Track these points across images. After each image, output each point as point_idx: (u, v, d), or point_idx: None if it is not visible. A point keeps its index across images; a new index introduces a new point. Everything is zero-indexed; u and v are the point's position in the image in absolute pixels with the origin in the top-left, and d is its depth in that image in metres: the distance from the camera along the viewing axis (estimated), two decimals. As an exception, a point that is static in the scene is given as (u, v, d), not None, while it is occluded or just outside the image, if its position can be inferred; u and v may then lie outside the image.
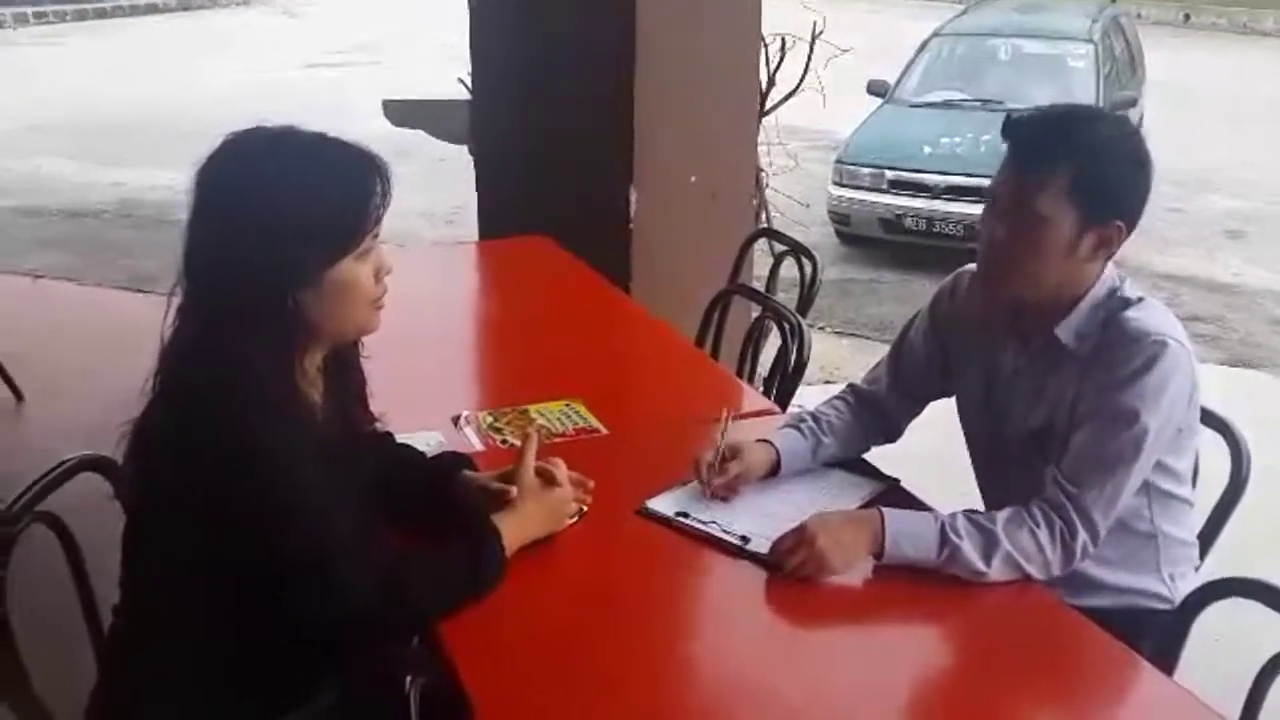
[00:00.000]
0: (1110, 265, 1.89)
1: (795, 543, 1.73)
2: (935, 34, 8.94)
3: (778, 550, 1.76)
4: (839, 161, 7.56)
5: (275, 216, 1.49)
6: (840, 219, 7.50)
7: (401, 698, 1.46)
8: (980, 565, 1.72)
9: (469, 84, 4.35)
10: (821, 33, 5.10)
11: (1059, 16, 9.57)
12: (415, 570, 1.62)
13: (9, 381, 4.36)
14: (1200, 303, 6.73)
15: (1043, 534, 1.74)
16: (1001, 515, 1.76)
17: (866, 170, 7.39)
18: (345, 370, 1.71)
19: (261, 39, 18.32)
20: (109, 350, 4.55)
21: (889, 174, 7.30)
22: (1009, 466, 1.99)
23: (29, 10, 21.03)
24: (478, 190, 4.20)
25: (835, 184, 7.50)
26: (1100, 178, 1.80)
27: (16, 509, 1.62)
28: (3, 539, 1.57)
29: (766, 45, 4.67)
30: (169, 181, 8.95)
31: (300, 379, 1.58)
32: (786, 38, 4.99)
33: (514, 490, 1.75)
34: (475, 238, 4.23)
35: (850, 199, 7.40)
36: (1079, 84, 8.00)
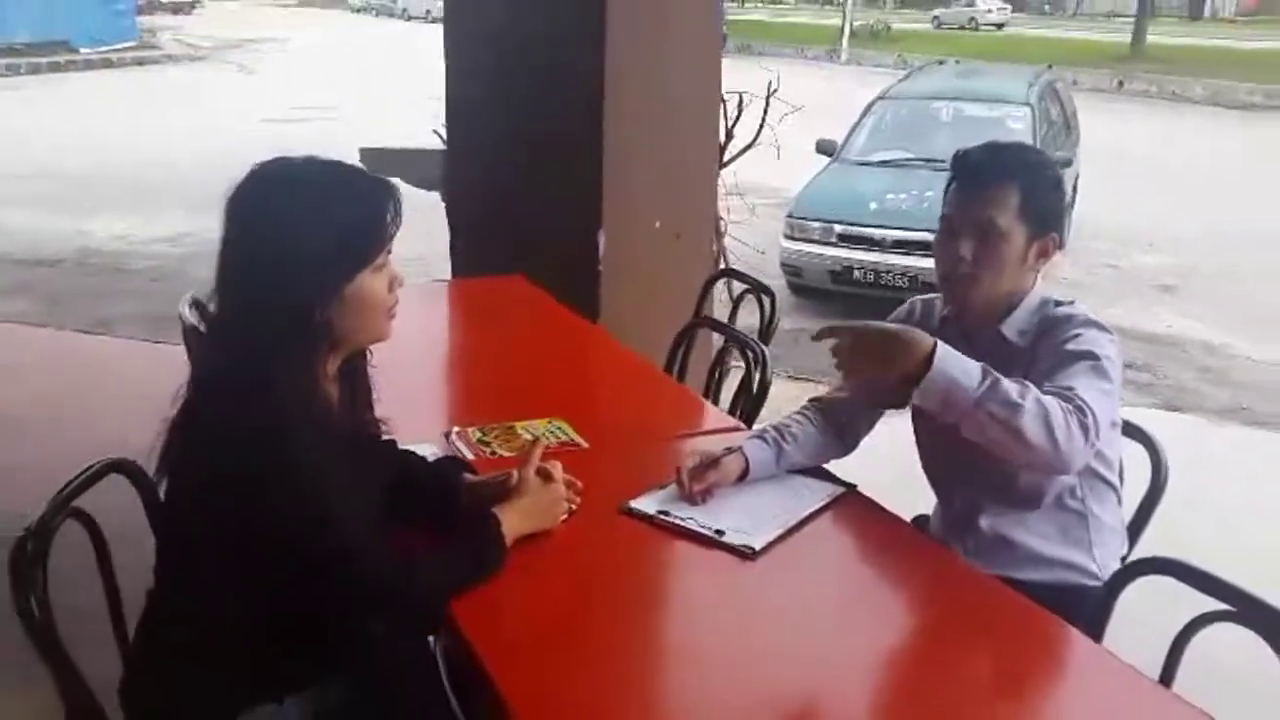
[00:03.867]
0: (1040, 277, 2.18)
1: (853, 329, 1.91)
2: (880, 96, 9.28)
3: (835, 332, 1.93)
4: (790, 216, 7.82)
5: (301, 236, 1.66)
6: (792, 271, 7.76)
7: (408, 691, 1.62)
8: (1017, 399, 1.81)
9: (443, 134, 4.55)
10: (776, 90, 5.37)
11: (997, 81, 9.98)
12: (426, 557, 1.78)
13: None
14: (1135, 352, 7.02)
15: (1063, 408, 1.85)
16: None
17: (816, 224, 7.66)
18: (356, 378, 1.87)
19: (218, 94, 18.45)
20: (73, 390, 4.68)
21: (838, 228, 7.57)
22: (959, 465, 2.20)
23: (-19, 63, 21.04)
24: (451, 234, 4.38)
25: (787, 237, 7.76)
26: (1041, 197, 2.11)
27: (51, 508, 1.75)
28: (42, 532, 1.70)
29: (725, 101, 4.92)
30: (125, 231, 9.07)
31: (323, 382, 1.75)
32: (744, 95, 5.25)
33: (514, 477, 1.93)
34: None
35: (801, 252, 7.67)
36: None
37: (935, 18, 38.83)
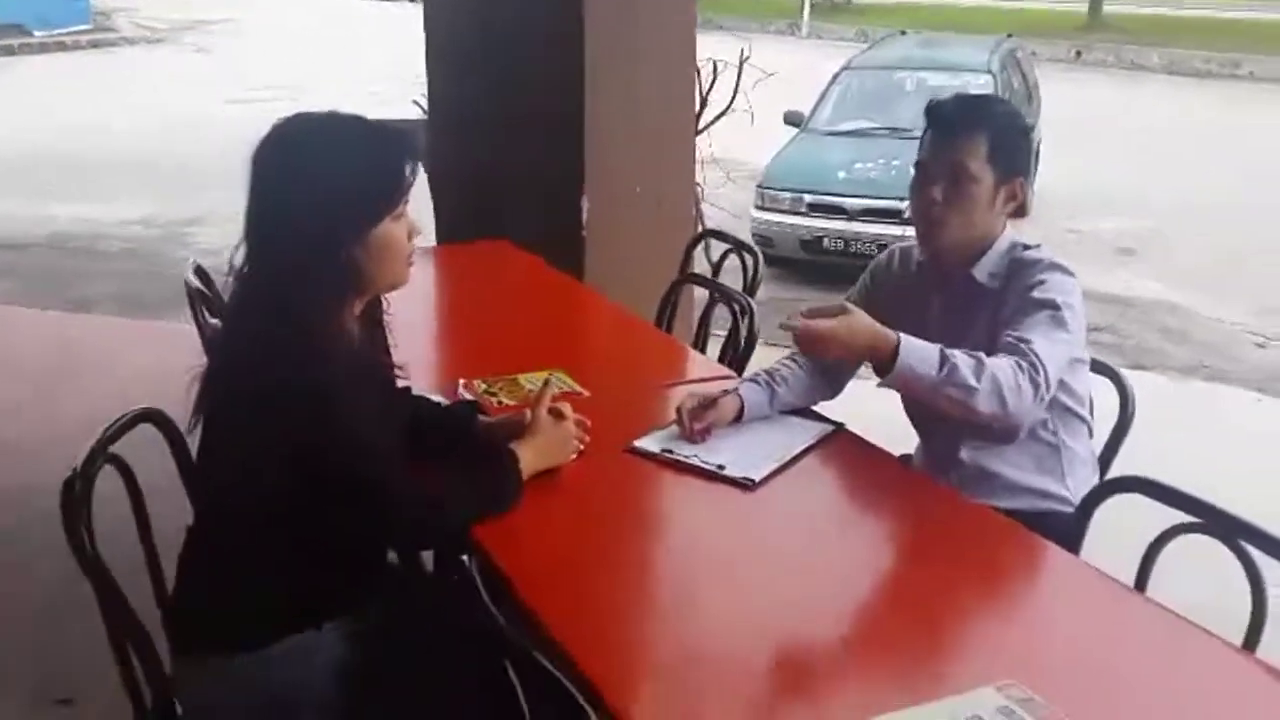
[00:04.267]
0: (1010, 224, 2.34)
1: (830, 313, 2.05)
2: (845, 68, 9.39)
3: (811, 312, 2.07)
4: (760, 186, 7.93)
5: (328, 184, 1.76)
6: (763, 240, 7.82)
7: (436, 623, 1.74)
8: (972, 381, 2.00)
9: (423, 105, 4.63)
10: (748, 58, 5.48)
11: (959, 50, 10.10)
12: (451, 487, 1.90)
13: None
14: (1098, 315, 7.20)
15: (1014, 365, 2.05)
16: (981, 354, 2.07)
17: (786, 194, 7.78)
18: (374, 325, 1.98)
19: (176, 76, 18.29)
20: (59, 369, 4.74)
21: (807, 198, 7.70)
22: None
23: (-68, 50, 20.74)
24: (434, 202, 4.46)
25: (757, 208, 7.88)
26: (1008, 144, 2.27)
27: (90, 453, 1.85)
28: (86, 474, 1.80)
29: (699, 70, 5.03)
30: (96, 215, 9.05)
31: (349, 323, 1.85)
32: (718, 62, 5.35)
33: (528, 416, 2.05)
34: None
35: (772, 222, 7.78)
36: None
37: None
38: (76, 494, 1.75)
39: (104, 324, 6.13)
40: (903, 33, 11.34)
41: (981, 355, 2.05)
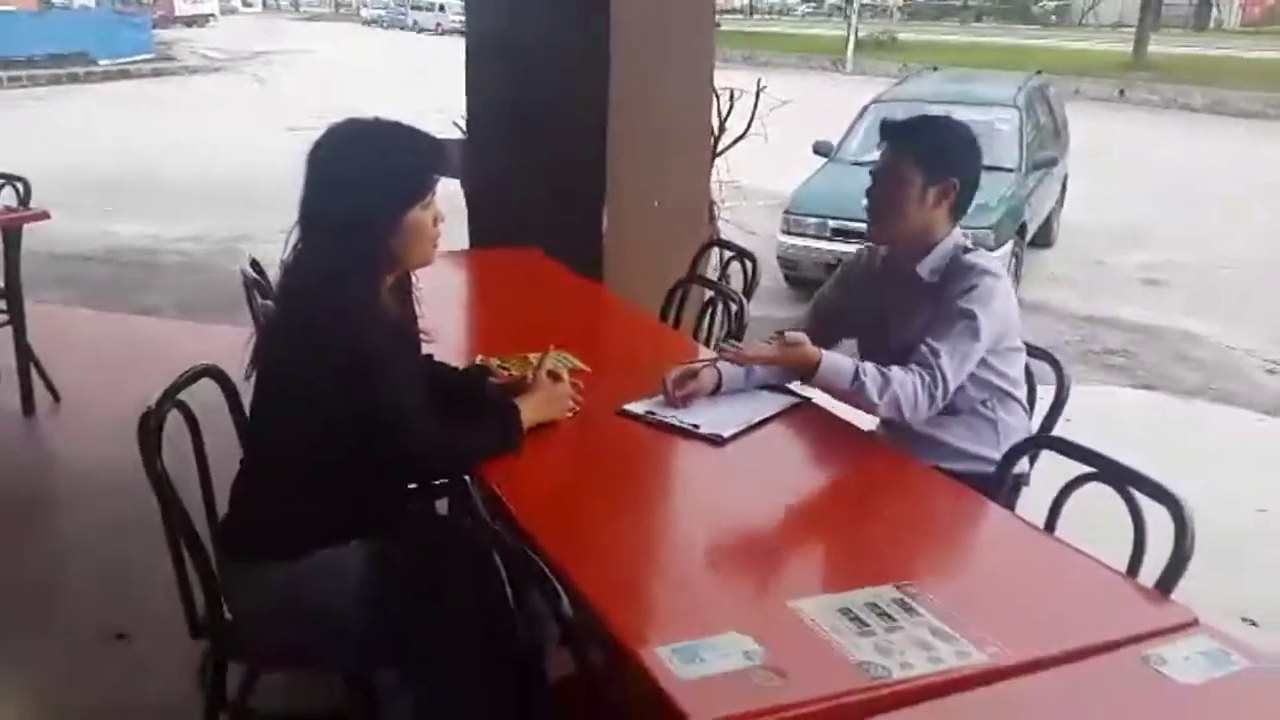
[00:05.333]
0: (958, 227, 2.66)
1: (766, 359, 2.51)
2: (875, 100, 9.71)
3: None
4: (787, 213, 8.25)
5: (370, 176, 2.13)
6: (789, 264, 8.18)
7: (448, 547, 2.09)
8: (875, 398, 2.48)
9: (463, 126, 5.02)
10: (765, 88, 5.83)
11: (986, 86, 10.37)
12: (462, 430, 2.25)
13: (49, 385, 4.97)
14: (1115, 340, 7.45)
15: (918, 381, 2.48)
16: (895, 368, 2.49)
17: (812, 220, 8.09)
18: (405, 297, 2.34)
19: (233, 103, 18.95)
20: (126, 363, 5.19)
21: (831, 223, 7.98)
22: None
23: (3, 75, 21.62)
24: (469, 213, 4.85)
25: (784, 233, 8.19)
26: (939, 149, 2.62)
27: (162, 395, 2.22)
28: (159, 410, 2.16)
29: (718, 96, 5.39)
30: (154, 231, 9.54)
31: (383, 294, 2.21)
32: (734, 90, 5.72)
33: (530, 377, 2.40)
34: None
35: (798, 246, 8.10)
36: (1003, 144, 8.60)
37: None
38: (151, 426, 2.11)
39: (159, 324, 6.62)
40: (934, 69, 11.67)
41: (890, 373, 2.48)
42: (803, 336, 2.53)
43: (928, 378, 2.49)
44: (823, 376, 2.48)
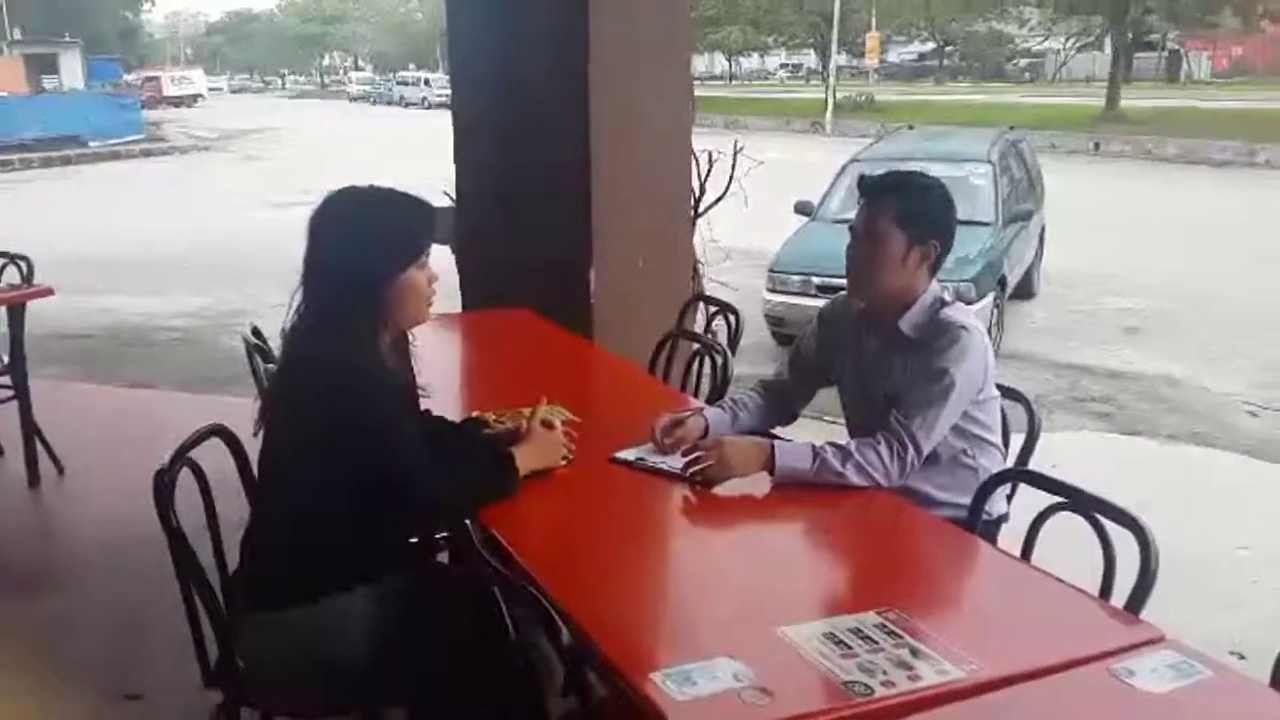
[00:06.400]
0: (935, 280, 2.71)
1: (707, 448, 2.50)
2: (853, 159, 9.89)
3: (695, 453, 2.50)
4: (772, 270, 8.38)
5: (367, 239, 2.25)
6: (775, 321, 8.29)
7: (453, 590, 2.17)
8: (839, 468, 2.47)
9: (451, 194, 5.17)
10: (742, 149, 6.01)
11: (961, 142, 10.58)
12: (461, 479, 2.35)
13: (53, 456, 5.06)
14: (1098, 388, 7.57)
15: (883, 449, 2.51)
16: (855, 440, 2.54)
17: (796, 277, 8.20)
18: (403, 355, 2.45)
19: (222, 181, 19.18)
20: (126, 434, 5.30)
21: (815, 279, 8.06)
22: (873, 424, 2.74)
23: (-7, 159, 21.90)
24: (460, 277, 4.99)
25: (769, 290, 8.31)
26: (919, 210, 2.65)
27: (175, 454, 2.33)
28: (172, 469, 2.27)
29: (697, 158, 5.56)
30: (148, 309, 9.67)
31: (382, 350, 2.32)
32: (712, 152, 5.90)
33: (524, 425, 2.51)
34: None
35: (783, 303, 8.21)
36: (980, 199, 8.78)
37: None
38: (165, 482, 2.21)
39: (157, 396, 6.75)
40: (910, 127, 11.92)
41: (850, 446, 2.50)
42: (738, 439, 2.58)
43: (896, 443, 2.51)
44: (783, 464, 2.48)
